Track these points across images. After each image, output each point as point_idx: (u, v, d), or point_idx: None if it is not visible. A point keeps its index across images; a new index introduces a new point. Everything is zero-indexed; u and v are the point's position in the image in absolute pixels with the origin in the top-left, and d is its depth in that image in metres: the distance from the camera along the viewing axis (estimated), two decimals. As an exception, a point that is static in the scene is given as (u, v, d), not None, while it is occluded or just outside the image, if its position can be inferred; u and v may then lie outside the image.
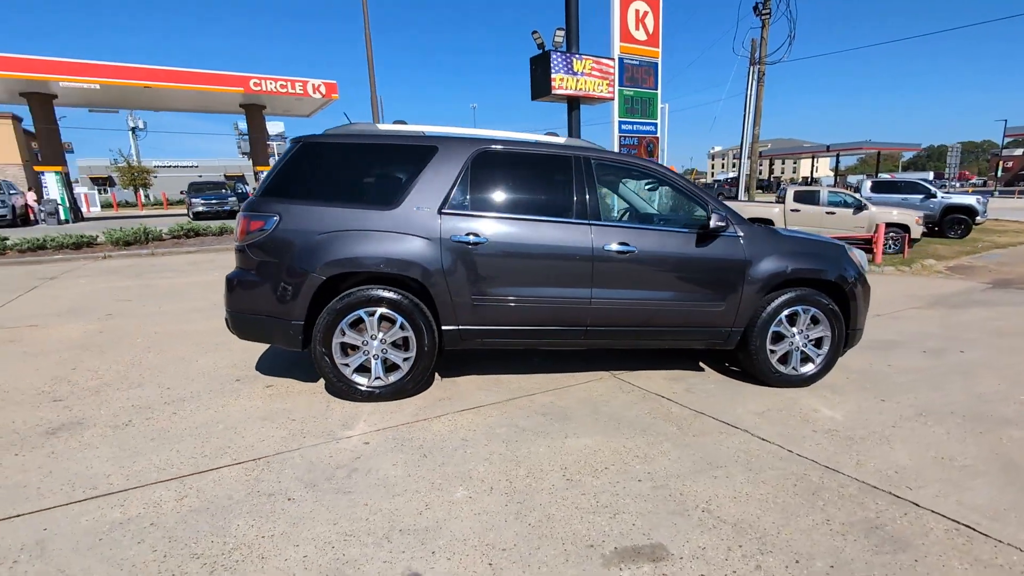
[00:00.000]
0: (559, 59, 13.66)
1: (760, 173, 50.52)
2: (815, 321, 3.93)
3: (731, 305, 3.81)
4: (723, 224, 3.65)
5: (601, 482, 2.64)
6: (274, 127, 56.70)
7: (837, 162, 33.90)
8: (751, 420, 3.38)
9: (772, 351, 3.91)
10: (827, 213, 12.17)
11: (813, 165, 35.23)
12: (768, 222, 12.69)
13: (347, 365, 3.52)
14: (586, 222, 3.65)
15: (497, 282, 3.57)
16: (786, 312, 3.86)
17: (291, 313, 3.43)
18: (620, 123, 18.55)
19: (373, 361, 3.54)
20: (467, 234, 3.50)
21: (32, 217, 21.13)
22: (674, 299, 3.76)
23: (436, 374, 4.15)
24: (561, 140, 3.94)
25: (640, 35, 18.00)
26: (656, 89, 18.77)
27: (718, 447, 3.03)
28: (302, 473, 2.68)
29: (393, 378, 3.58)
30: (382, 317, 3.51)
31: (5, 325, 5.61)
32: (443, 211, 3.52)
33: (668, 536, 2.23)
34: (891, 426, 3.33)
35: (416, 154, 3.62)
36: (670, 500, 2.50)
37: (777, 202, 13.23)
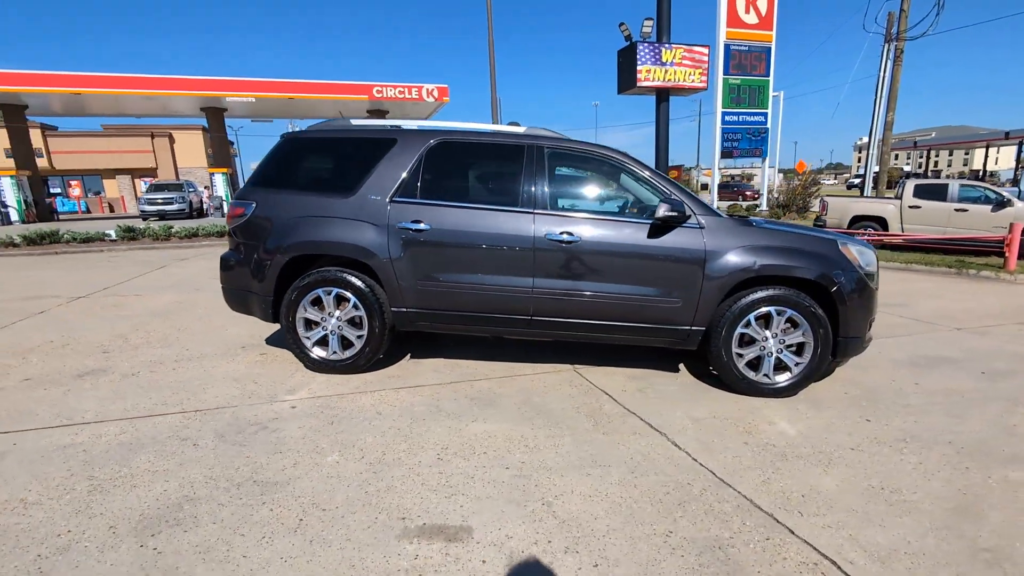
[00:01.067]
0: (646, 50, 13.12)
1: (919, 167, 43.60)
2: (794, 325, 3.47)
3: (689, 302, 3.50)
4: (673, 214, 3.36)
5: (468, 465, 2.64)
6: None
7: (1020, 151, 27.93)
8: (681, 425, 3.11)
9: (739, 355, 3.52)
10: (956, 210, 10.28)
11: (987, 156, 29.48)
12: (880, 221, 11.09)
13: (308, 338, 3.85)
14: (529, 210, 3.59)
15: (441, 268, 3.66)
16: (757, 313, 3.45)
17: (263, 289, 3.84)
18: (724, 114, 17.38)
19: (331, 336, 3.83)
20: (412, 221, 3.64)
21: (204, 211, 25.19)
22: (624, 293, 3.55)
23: (409, 354, 4.35)
24: (521, 130, 3.89)
25: (750, 18, 16.63)
26: (767, 76, 17.24)
27: (617, 447, 2.84)
28: (222, 426, 3.03)
29: (348, 353, 3.84)
30: (338, 296, 3.78)
31: (120, 293, 6.89)
32: (394, 199, 3.69)
33: (484, 521, 2.19)
34: (849, 448, 2.85)
35: (377, 146, 3.82)
36: (519, 490, 2.43)
37: (895, 198, 11.45)
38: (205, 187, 27.34)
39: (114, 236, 14.18)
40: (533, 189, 3.63)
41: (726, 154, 17.71)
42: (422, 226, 3.62)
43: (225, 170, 24.86)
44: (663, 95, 13.77)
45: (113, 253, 12.25)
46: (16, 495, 2.33)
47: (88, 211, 36.96)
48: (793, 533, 2.13)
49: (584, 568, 1.93)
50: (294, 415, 3.18)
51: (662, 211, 3.35)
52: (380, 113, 26.66)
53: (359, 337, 3.80)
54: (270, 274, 3.79)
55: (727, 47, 16.74)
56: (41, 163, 34.30)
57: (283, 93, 22.88)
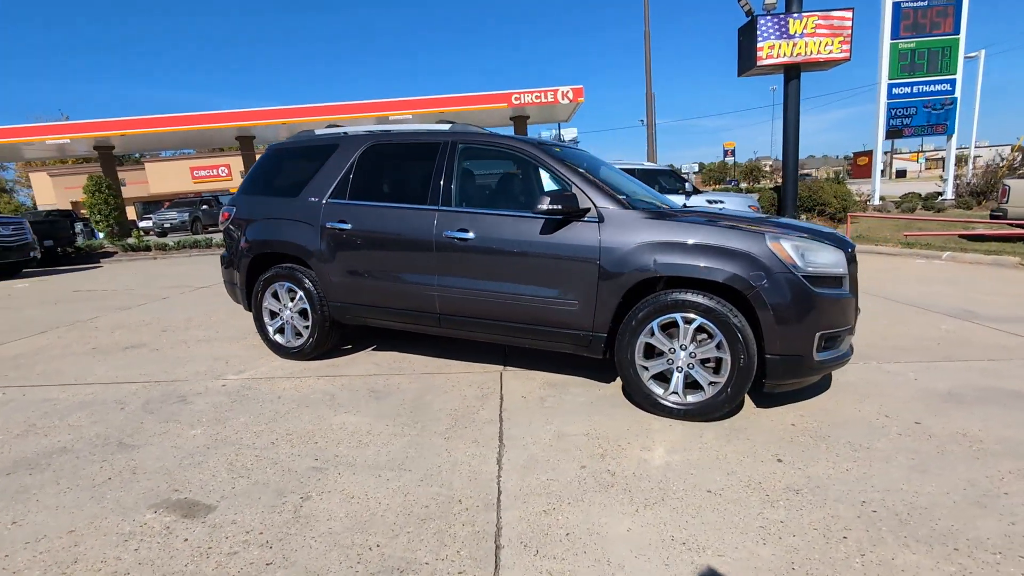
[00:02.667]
0: (768, 24, 11.51)
1: None
2: (710, 336, 2.85)
3: (587, 304, 3.09)
4: (556, 207, 3.00)
5: (288, 451, 2.72)
6: (569, 133, 61.97)
7: None
8: (536, 439, 2.78)
9: (643, 367, 3.00)
10: None
11: None
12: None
13: (271, 326, 4.27)
14: (433, 208, 3.51)
15: (361, 264, 3.78)
16: (661, 320, 2.91)
17: (240, 281, 4.36)
18: (890, 86, 14.56)
19: (286, 326, 4.20)
20: (339, 220, 3.81)
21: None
22: (520, 292, 3.27)
23: (374, 346, 4.55)
24: (445, 127, 3.80)
25: (928, -34, 13.58)
26: (956, 34, 14.05)
27: (441, 453, 2.66)
28: (157, 396, 3.56)
29: (297, 342, 4.17)
30: (290, 290, 4.12)
31: (233, 285, 8.30)
32: (328, 200, 3.91)
33: (232, 505, 2.26)
34: (706, 490, 2.28)
35: (324, 151, 4.08)
36: (299, 482, 2.44)
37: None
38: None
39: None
40: (440, 186, 3.54)
41: (894, 133, 14.72)
42: (346, 225, 3.78)
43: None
44: (792, 72, 11.88)
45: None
46: (-24, 431, 3.07)
47: (300, 219, 44.70)
48: (496, 570, 1.82)
49: (255, 563, 1.90)
50: (217, 392, 3.59)
51: (543, 204, 3.01)
52: (522, 119, 27.58)
53: (305, 327, 4.11)
54: (243, 269, 4.29)
55: (896, 6, 13.91)
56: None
57: (434, 108, 24.97)
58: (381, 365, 4.07)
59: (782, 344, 2.72)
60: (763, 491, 2.27)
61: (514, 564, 1.85)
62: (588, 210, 3.09)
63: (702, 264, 2.79)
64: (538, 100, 23.92)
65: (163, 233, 23.95)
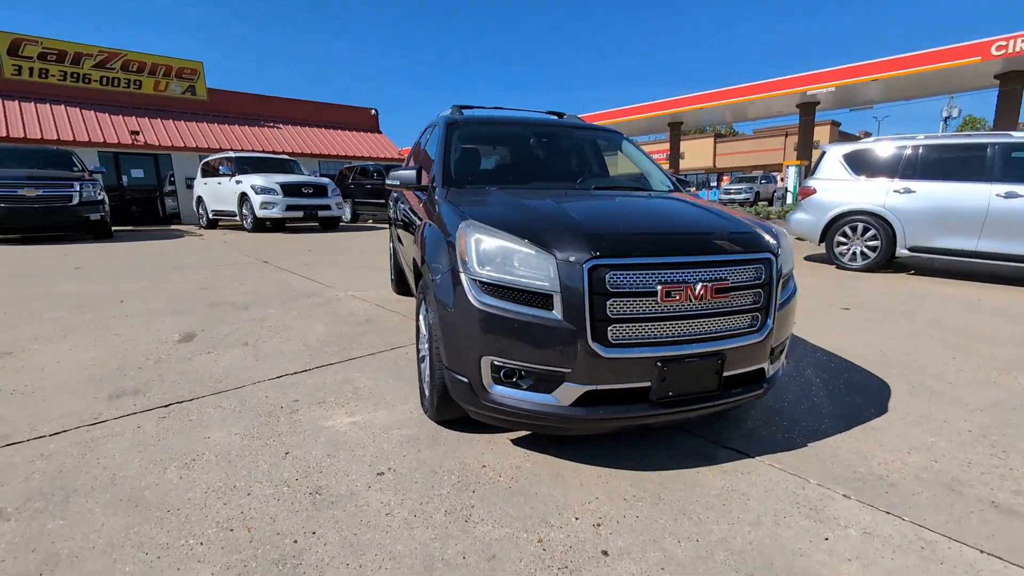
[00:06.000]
0: None
1: None
2: (433, 330, 2.49)
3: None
4: (394, 183, 3.09)
5: (259, 332, 4.07)
6: None
7: None
8: (325, 380, 3.17)
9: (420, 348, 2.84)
10: None
11: None
12: None
13: (392, 272, 5.68)
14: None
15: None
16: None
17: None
18: None
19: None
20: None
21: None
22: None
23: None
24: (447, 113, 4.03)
25: None
26: None
27: (270, 360, 3.45)
28: (308, 291, 5.53)
29: (391, 279, 5.44)
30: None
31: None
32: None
33: (200, 339, 3.81)
34: (283, 454, 2.36)
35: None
36: (241, 336, 3.78)
37: None
38: (781, 178, 27.76)
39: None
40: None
41: None
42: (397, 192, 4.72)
43: (799, 163, 24.46)
44: None
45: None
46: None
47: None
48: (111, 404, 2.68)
49: (180, 369, 3.38)
50: (326, 297, 5.28)
51: (389, 179, 3.16)
52: (1018, 75, 18.49)
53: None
54: (388, 222, 5.84)
55: None
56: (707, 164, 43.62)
57: (864, 76, 20.06)
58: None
59: (448, 358, 2.16)
60: (280, 478, 2.15)
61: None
62: (425, 188, 3.04)
63: (420, 249, 2.45)
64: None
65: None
